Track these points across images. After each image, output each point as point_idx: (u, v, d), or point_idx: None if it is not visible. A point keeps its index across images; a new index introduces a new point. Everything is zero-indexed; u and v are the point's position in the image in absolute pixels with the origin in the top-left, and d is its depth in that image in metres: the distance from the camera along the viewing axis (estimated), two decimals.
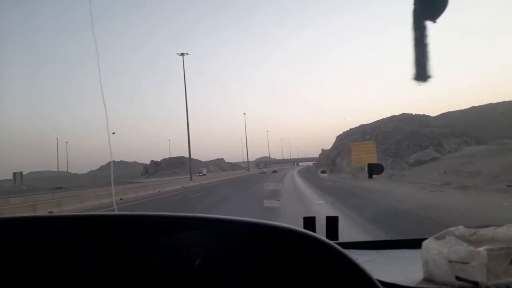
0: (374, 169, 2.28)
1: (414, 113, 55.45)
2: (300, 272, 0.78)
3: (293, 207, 11.97)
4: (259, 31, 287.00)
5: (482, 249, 0.84)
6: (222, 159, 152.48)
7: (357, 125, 60.53)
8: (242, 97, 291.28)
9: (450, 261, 0.89)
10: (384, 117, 56.60)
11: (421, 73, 0.91)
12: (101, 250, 0.91)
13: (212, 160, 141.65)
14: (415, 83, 0.91)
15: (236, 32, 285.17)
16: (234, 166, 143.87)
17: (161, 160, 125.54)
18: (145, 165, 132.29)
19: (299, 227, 0.84)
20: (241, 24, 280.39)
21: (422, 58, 0.91)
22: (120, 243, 0.91)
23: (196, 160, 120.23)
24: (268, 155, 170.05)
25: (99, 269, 0.89)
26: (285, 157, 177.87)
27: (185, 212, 0.91)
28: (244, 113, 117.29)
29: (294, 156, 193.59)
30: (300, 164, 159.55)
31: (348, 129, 67.47)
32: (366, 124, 58.72)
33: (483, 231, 0.93)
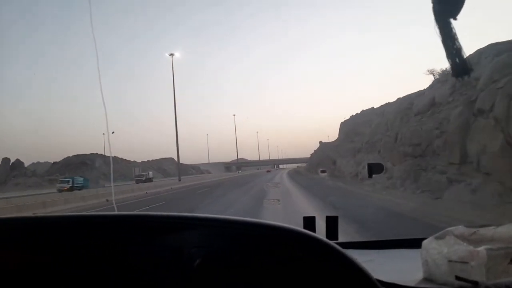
0: (374, 169, 2.27)
1: None
2: (300, 272, 0.78)
3: None
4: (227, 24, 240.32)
5: (481, 248, 0.84)
6: (171, 158, 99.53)
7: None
8: (215, 89, 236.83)
9: (449, 260, 0.89)
10: None
11: (461, 69, 0.90)
12: (100, 250, 0.91)
13: (154, 161, 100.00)
14: (457, 80, 0.91)
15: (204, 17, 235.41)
16: (188, 168, 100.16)
17: (61, 160, 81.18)
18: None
19: (299, 227, 0.85)
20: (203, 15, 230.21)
21: (456, 54, 0.89)
22: (120, 243, 0.91)
23: (122, 159, 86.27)
24: (241, 156, 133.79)
25: (99, 269, 0.89)
26: (262, 158, 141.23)
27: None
28: (171, 54, 52.65)
29: (273, 157, 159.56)
30: (281, 166, 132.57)
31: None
32: None
33: (482, 231, 0.93)
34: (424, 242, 0.98)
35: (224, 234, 0.85)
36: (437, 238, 0.96)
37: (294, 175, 53.11)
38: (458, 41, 0.89)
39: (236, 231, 0.85)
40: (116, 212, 1.05)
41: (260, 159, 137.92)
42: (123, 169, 78.20)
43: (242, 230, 0.85)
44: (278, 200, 9.43)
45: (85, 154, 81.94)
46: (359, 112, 55.79)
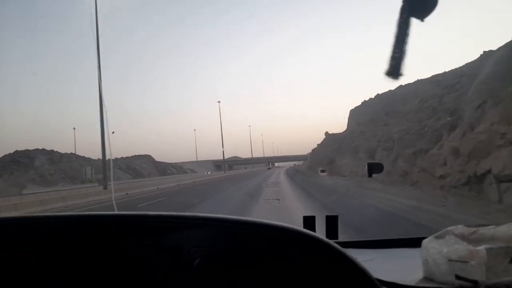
0: (373, 169, 2.28)
1: None
2: (300, 271, 0.78)
3: None
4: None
5: (481, 248, 0.84)
6: (147, 156, 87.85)
7: None
8: (202, 78, 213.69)
9: (449, 260, 0.89)
10: None
11: (396, 70, 0.94)
12: (100, 250, 0.91)
13: (125, 158, 77.56)
14: (386, 78, 0.94)
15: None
16: (167, 167, 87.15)
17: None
18: None
19: (299, 226, 0.85)
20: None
21: (400, 56, 0.93)
22: (120, 243, 0.91)
23: (80, 157, 69.31)
24: (235, 154, 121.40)
25: (98, 269, 0.89)
26: (256, 156, 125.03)
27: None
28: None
29: (268, 154, 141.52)
30: (277, 165, 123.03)
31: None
32: None
33: (482, 230, 0.93)
34: (424, 241, 0.98)
35: (224, 233, 0.85)
36: (437, 237, 0.96)
37: (295, 176, 38.93)
38: (407, 45, 0.92)
39: (236, 230, 0.85)
40: (115, 212, 1.04)
41: (254, 156, 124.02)
42: (73, 169, 61.06)
43: (242, 230, 0.84)
44: None
45: (28, 150, 64.46)
46: (372, 97, 46.54)
